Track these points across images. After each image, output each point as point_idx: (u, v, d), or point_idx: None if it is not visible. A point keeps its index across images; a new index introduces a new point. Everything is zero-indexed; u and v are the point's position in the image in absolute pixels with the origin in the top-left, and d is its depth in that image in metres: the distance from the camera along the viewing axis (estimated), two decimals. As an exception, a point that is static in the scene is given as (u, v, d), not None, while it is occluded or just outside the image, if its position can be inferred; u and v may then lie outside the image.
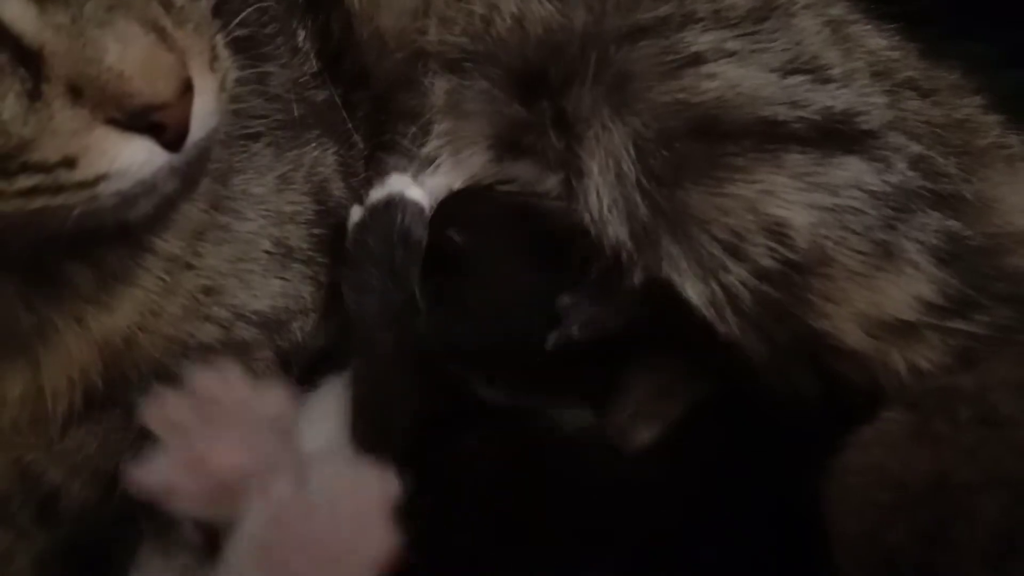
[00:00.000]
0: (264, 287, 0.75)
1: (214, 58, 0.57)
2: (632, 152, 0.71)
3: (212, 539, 0.61)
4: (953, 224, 0.67)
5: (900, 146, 0.69)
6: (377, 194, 0.77)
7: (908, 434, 0.62)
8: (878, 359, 0.65)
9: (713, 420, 0.70)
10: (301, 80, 0.81)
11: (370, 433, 0.68)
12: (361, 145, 0.83)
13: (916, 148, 0.70)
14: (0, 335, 0.64)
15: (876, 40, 0.78)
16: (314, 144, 0.80)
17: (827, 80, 0.72)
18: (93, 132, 0.52)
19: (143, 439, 0.69)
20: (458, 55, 0.81)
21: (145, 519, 0.65)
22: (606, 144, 0.72)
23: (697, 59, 0.73)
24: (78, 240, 0.59)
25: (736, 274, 0.67)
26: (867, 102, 0.71)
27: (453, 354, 0.71)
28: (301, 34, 0.83)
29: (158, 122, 0.53)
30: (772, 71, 0.72)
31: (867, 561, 0.58)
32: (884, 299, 0.66)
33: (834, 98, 0.71)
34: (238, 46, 0.62)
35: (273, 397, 0.64)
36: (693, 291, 0.68)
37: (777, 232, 0.67)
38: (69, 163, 0.52)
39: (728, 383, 0.69)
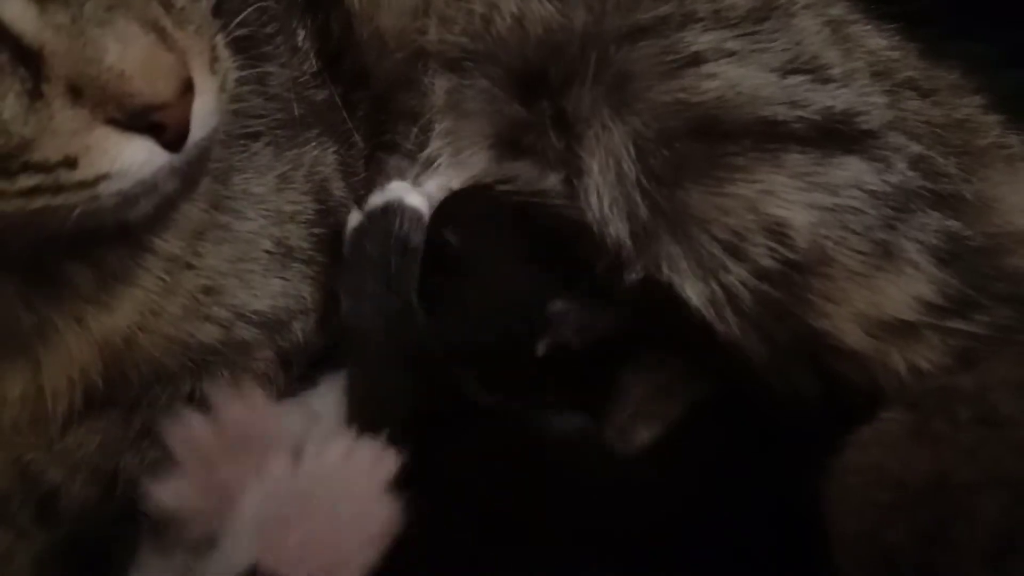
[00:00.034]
0: (264, 287, 0.75)
1: (214, 58, 0.57)
2: (632, 152, 0.71)
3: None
4: (953, 224, 0.67)
5: (900, 146, 0.69)
6: (376, 199, 0.77)
7: (908, 434, 0.62)
8: (878, 359, 0.65)
9: (713, 420, 0.70)
10: (301, 79, 0.81)
11: (367, 432, 0.67)
12: (361, 145, 0.83)
13: (916, 148, 0.70)
14: (0, 335, 0.64)
15: (876, 40, 0.78)
16: (314, 143, 0.79)
17: (827, 80, 0.72)
18: (93, 132, 0.52)
19: (143, 439, 0.70)
20: (458, 54, 0.81)
21: (145, 518, 0.65)
22: (606, 144, 0.72)
23: (697, 59, 0.73)
24: (78, 240, 0.59)
25: (736, 274, 0.67)
26: (867, 102, 0.71)
27: (450, 355, 0.71)
28: (301, 34, 0.83)
29: (158, 122, 0.53)
30: (772, 71, 0.72)
31: (867, 561, 0.58)
32: (884, 299, 0.66)
33: (834, 98, 0.71)
34: (238, 46, 0.62)
35: (295, 418, 0.65)
36: (693, 291, 0.68)
37: (777, 232, 0.67)
38: (70, 163, 0.52)
39: (728, 383, 0.69)
